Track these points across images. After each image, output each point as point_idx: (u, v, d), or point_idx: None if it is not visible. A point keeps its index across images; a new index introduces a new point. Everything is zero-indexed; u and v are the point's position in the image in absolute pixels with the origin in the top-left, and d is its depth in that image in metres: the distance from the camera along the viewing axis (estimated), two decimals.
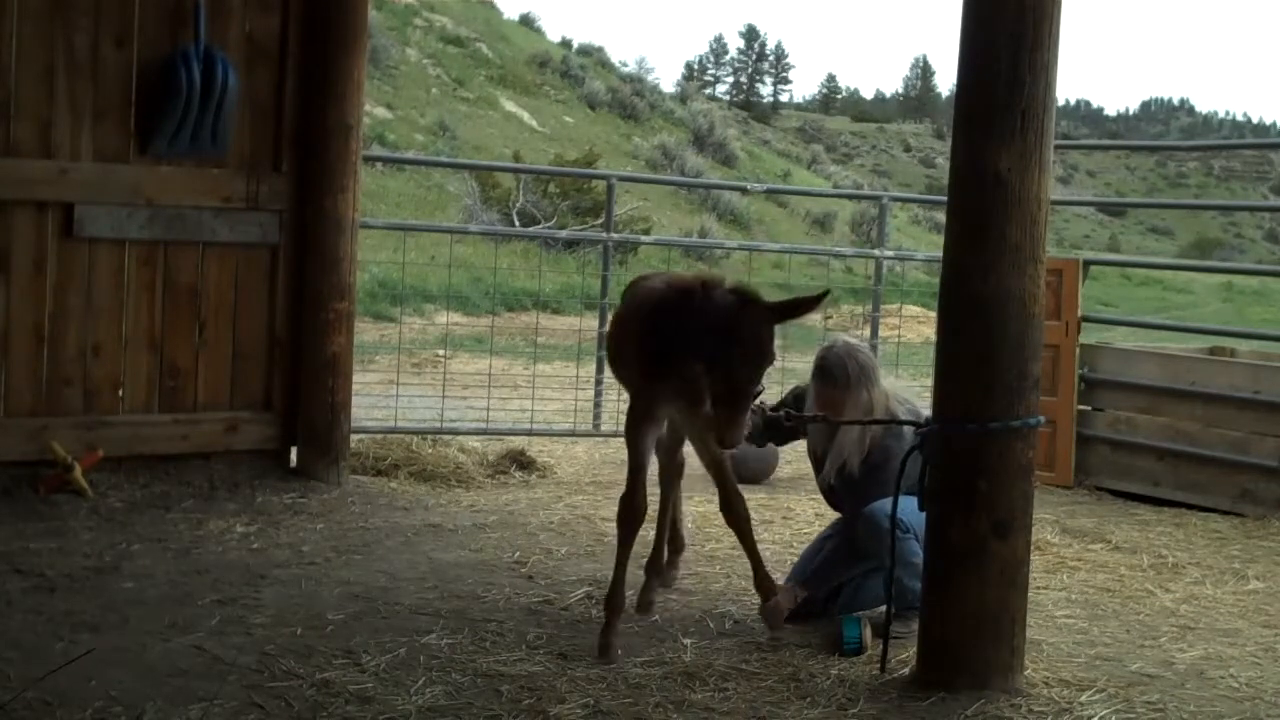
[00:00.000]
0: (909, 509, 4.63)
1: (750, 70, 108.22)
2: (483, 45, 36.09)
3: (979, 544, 4.28)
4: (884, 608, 4.71)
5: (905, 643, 4.61)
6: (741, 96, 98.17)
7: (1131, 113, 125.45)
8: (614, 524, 6.51)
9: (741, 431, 4.31)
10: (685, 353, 4.35)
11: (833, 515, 5.39)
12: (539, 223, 20.89)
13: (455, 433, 8.36)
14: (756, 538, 5.02)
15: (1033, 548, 4.58)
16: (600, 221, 14.39)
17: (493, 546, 5.98)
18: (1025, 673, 4.40)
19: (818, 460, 5.11)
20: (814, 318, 4.72)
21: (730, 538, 6.28)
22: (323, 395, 6.96)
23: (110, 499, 6.28)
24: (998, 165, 4.24)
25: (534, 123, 32.65)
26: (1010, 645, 4.32)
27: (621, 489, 4.75)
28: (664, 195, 28.35)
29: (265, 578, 5.29)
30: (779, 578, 5.12)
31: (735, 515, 4.88)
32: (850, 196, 34.43)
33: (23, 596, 4.89)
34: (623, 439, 8.45)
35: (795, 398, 5.15)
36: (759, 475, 7.84)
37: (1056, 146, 4.57)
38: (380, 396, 9.28)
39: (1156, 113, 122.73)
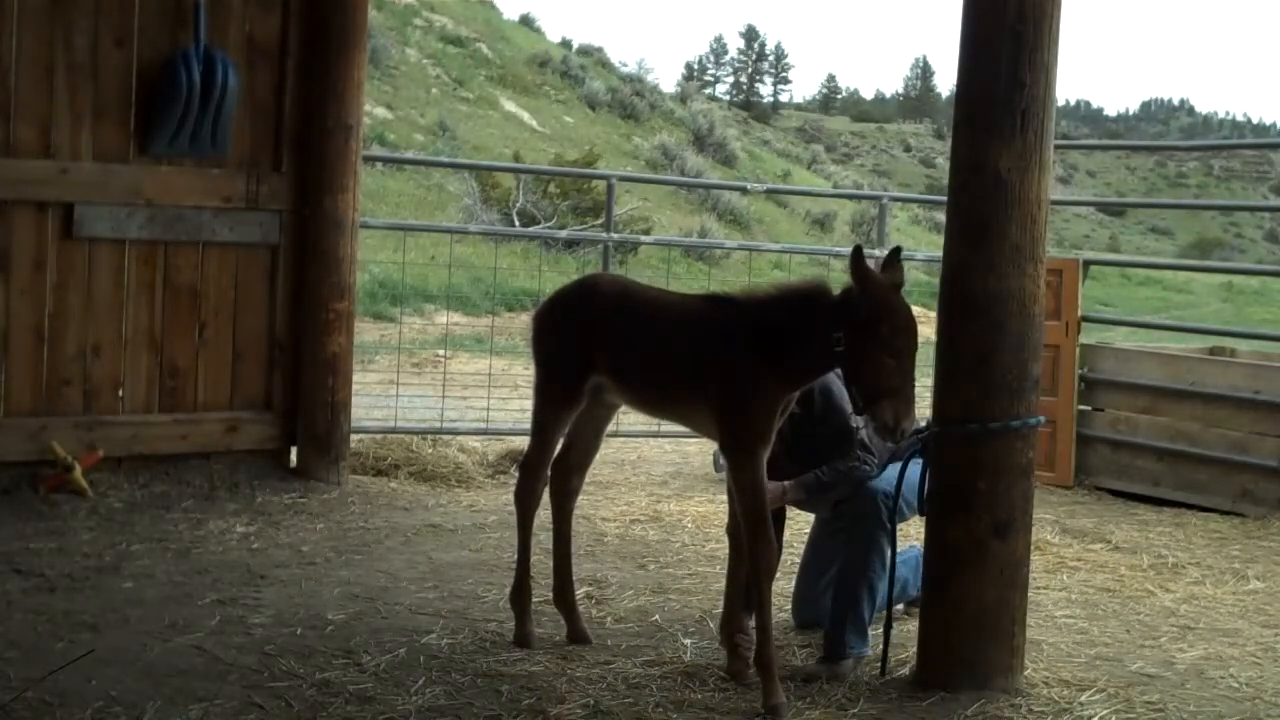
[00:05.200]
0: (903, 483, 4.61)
1: (750, 70, 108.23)
2: (483, 45, 36.07)
3: (979, 544, 4.28)
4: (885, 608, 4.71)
5: (905, 643, 4.62)
6: (741, 96, 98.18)
7: (1131, 113, 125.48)
8: (611, 523, 6.56)
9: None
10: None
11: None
12: (539, 223, 20.88)
13: (455, 433, 8.35)
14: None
15: (1033, 548, 4.58)
16: (600, 221, 14.39)
17: (493, 546, 5.98)
18: (1025, 673, 4.40)
19: None
20: None
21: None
22: (323, 395, 6.96)
23: (110, 499, 6.28)
24: (998, 165, 4.24)
25: (534, 123, 32.63)
26: (1010, 645, 4.32)
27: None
28: (664, 195, 28.32)
29: (265, 578, 5.30)
30: (780, 580, 5.04)
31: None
32: (850, 196, 34.41)
33: (23, 596, 4.90)
34: (623, 438, 8.54)
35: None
36: None
37: (1056, 146, 4.57)
38: (380, 396, 9.28)
39: (1156, 113, 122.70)
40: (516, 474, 7.48)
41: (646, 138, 34.78)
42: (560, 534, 4.80)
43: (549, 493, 4.80)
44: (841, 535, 4.85)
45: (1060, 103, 4.68)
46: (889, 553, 4.60)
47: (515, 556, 5.06)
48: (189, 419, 6.70)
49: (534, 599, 4.76)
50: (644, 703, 4.11)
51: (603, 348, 4.49)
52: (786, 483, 4.67)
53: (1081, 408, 8.33)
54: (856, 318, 4.04)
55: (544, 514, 4.83)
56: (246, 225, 6.79)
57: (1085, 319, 8.55)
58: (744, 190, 23.93)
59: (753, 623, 4.36)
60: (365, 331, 11.92)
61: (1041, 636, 4.97)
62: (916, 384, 4.13)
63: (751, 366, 4.18)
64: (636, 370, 4.50)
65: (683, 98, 47.40)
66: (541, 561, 4.90)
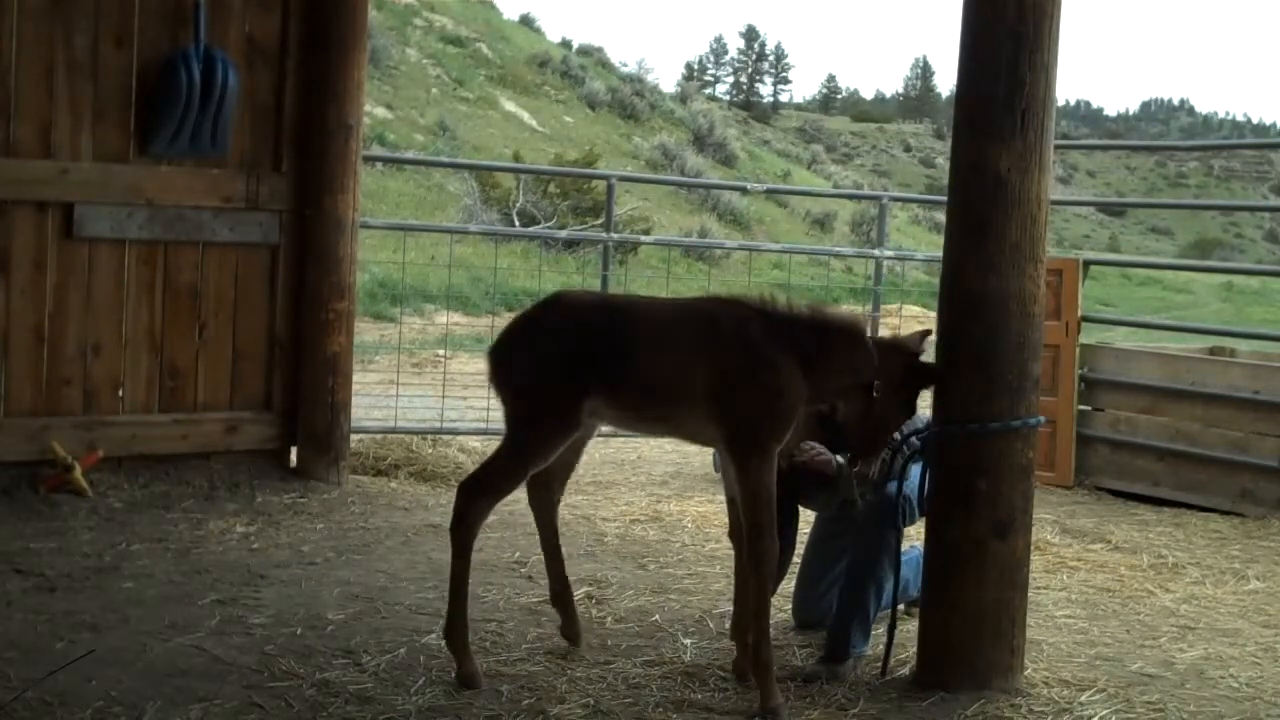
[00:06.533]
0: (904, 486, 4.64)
1: (750, 70, 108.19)
2: (483, 45, 36.08)
3: (979, 544, 4.28)
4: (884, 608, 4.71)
5: (905, 643, 4.61)
6: (741, 96, 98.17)
7: (1131, 113, 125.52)
8: (611, 523, 6.56)
9: None
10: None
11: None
12: (539, 223, 20.89)
13: (455, 433, 8.35)
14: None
15: (1033, 548, 4.59)
16: (600, 221, 14.40)
17: (493, 546, 5.98)
18: (1025, 673, 4.41)
19: None
20: None
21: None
22: (323, 395, 6.96)
23: (110, 499, 6.28)
24: (998, 165, 4.24)
25: (534, 123, 32.65)
26: (1010, 645, 4.33)
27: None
28: (664, 195, 28.35)
29: (265, 578, 5.30)
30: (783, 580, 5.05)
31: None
32: (850, 196, 34.42)
33: (23, 596, 4.89)
34: (623, 438, 8.54)
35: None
36: None
37: (1056, 146, 4.57)
38: (380, 396, 9.28)
39: (1156, 113, 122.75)
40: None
41: (646, 138, 34.80)
42: (548, 538, 4.67)
43: (531, 506, 4.69)
44: (847, 535, 4.86)
45: (1060, 103, 4.68)
46: (898, 553, 4.60)
47: (513, 556, 5.08)
48: (189, 419, 6.70)
49: (533, 599, 4.75)
50: (644, 703, 4.11)
51: (594, 361, 4.25)
52: (839, 457, 4.72)
53: (1081, 408, 8.33)
54: (893, 374, 4.25)
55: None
56: (246, 225, 6.79)
57: (1085, 319, 8.55)
58: (744, 190, 23.95)
59: None
60: (365, 331, 11.93)
61: (1041, 636, 4.97)
62: None
63: (789, 368, 4.14)
64: (638, 378, 4.27)
65: (683, 98, 47.43)
66: (540, 563, 4.89)
